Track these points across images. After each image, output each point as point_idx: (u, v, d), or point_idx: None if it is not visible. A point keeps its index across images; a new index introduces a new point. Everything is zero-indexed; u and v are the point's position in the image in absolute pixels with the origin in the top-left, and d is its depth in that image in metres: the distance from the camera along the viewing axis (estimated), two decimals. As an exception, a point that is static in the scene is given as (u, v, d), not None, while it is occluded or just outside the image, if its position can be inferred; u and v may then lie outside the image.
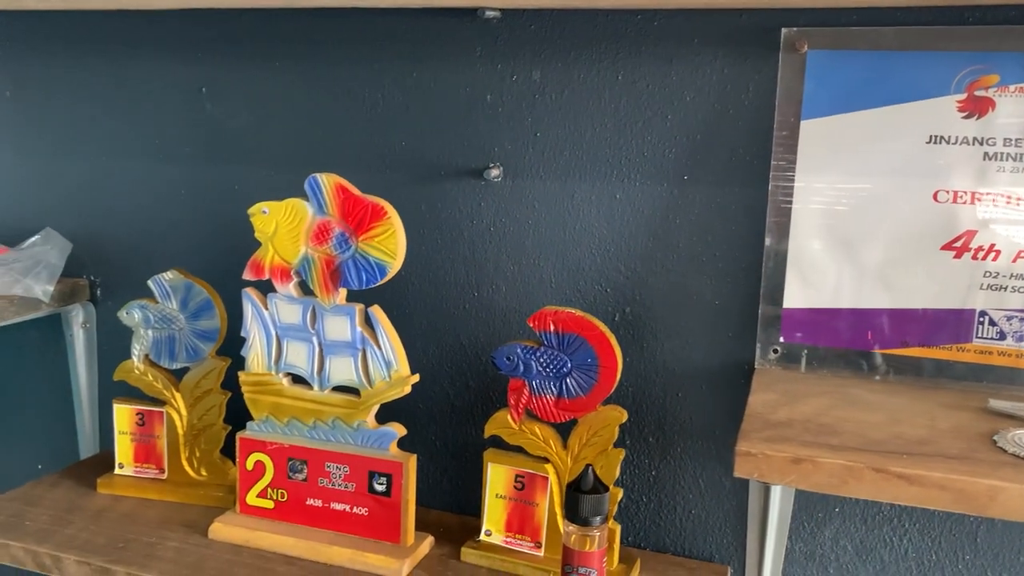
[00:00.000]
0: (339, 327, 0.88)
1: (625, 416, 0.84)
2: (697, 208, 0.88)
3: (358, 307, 0.88)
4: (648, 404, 0.93)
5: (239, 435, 0.94)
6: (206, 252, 1.09)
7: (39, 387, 1.23)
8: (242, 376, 0.93)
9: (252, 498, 0.94)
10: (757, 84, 0.84)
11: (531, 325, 0.85)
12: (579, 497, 0.75)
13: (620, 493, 0.85)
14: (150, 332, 1.01)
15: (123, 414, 1.03)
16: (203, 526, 0.94)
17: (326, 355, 0.89)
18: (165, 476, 1.03)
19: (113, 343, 1.17)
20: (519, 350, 0.86)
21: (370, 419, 0.89)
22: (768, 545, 0.89)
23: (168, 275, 0.99)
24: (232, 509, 0.96)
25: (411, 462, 0.88)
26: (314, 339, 0.90)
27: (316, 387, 0.91)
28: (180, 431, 1.02)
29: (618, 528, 0.86)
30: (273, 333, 0.91)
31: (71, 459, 1.18)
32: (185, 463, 1.02)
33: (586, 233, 0.92)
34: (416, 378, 0.88)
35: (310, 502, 0.92)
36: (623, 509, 0.96)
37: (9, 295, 1.01)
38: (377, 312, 0.87)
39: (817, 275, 0.84)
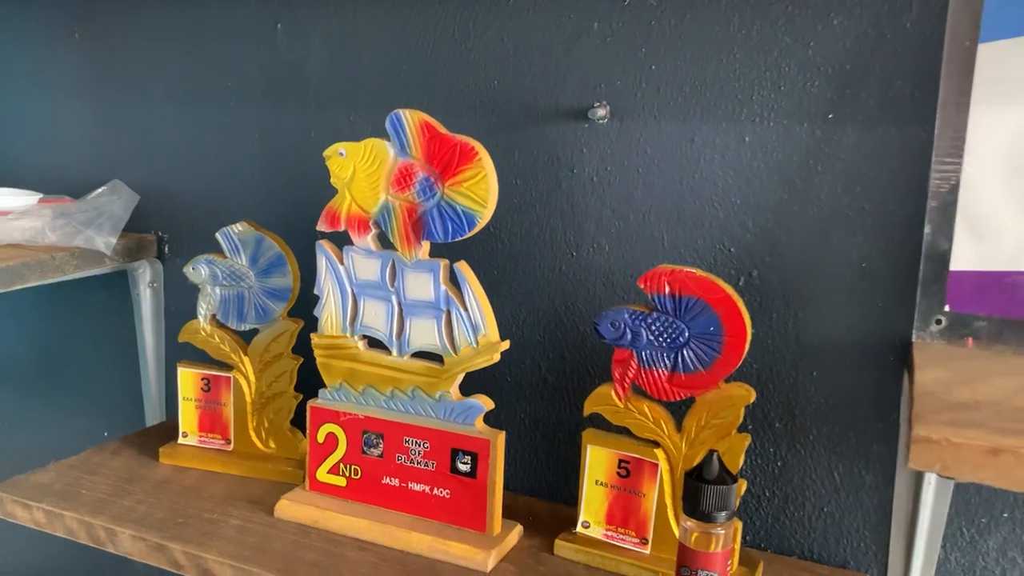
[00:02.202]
0: (421, 285, 0.78)
1: (753, 396, 0.71)
2: (844, 152, 0.74)
3: (443, 262, 0.77)
4: (776, 384, 0.80)
5: (310, 404, 0.85)
6: (280, 206, 1.01)
7: (106, 349, 1.16)
8: (314, 338, 0.84)
9: (323, 474, 0.85)
10: (922, 2, 0.70)
11: (642, 286, 0.73)
12: (702, 488, 0.63)
13: (744, 485, 0.73)
14: (217, 290, 0.93)
15: (188, 378, 0.95)
16: (269, 503, 0.85)
17: (406, 316, 0.79)
18: (231, 447, 0.94)
19: (181, 304, 1.10)
20: (627, 315, 0.74)
21: (454, 390, 0.78)
22: (916, 553, 0.76)
23: (238, 227, 0.91)
24: (301, 486, 0.87)
25: (499, 440, 0.77)
26: (393, 298, 0.79)
27: (395, 352, 0.80)
28: (248, 399, 0.93)
29: (739, 526, 0.73)
30: (349, 291, 0.81)
31: (137, 426, 1.12)
32: (253, 434, 0.94)
33: (707, 183, 0.80)
34: (506, 345, 0.77)
35: (386, 481, 0.82)
36: (742, 504, 0.83)
37: (70, 247, 0.94)
38: (464, 268, 0.76)
39: (994, 231, 0.69)
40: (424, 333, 0.79)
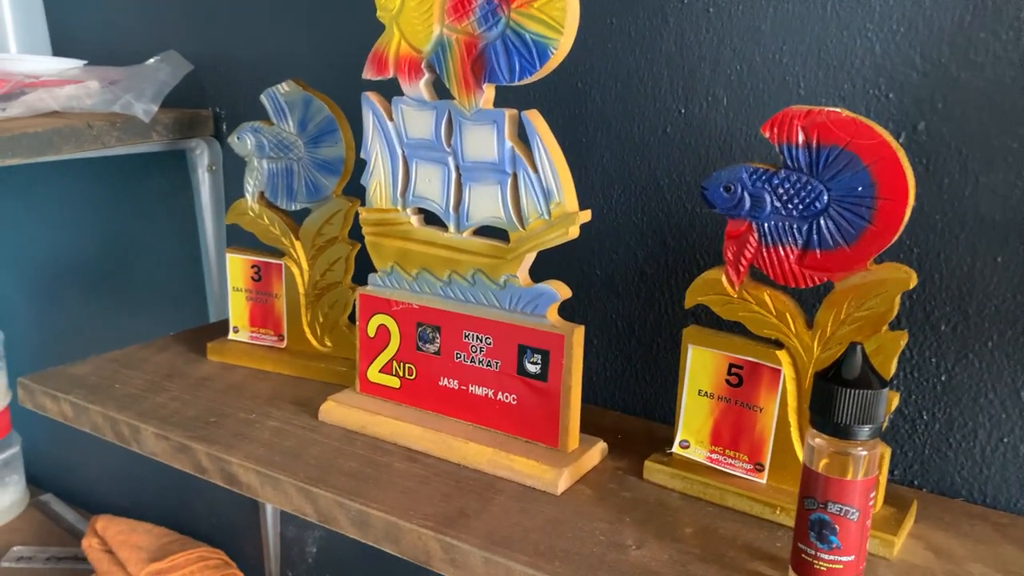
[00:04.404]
0: (482, 141, 0.62)
1: (914, 279, 0.53)
2: (1061, -55, 0.53)
3: (508, 112, 0.61)
4: (944, 273, 0.61)
5: (359, 291, 0.72)
6: (350, 75, 0.87)
7: (168, 241, 1.08)
8: (362, 212, 0.70)
9: (374, 374, 0.72)
10: None
11: (766, 135, 0.55)
12: (839, 392, 0.46)
13: (896, 399, 0.55)
14: (265, 163, 0.81)
15: (237, 266, 0.84)
16: (317, 405, 0.73)
17: (465, 183, 0.64)
18: (284, 344, 0.83)
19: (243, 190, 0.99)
20: (745, 175, 0.56)
21: (522, 274, 0.63)
22: None
23: (284, 87, 0.78)
24: (353, 387, 0.75)
25: (576, 335, 0.62)
26: (450, 160, 0.65)
27: (452, 227, 0.66)
28: (301, 289, 0.82)
29: (887, 452, 0.56)
30: (400, 153, 0.67)
31: (202, 322, 1.03)
32: (307, 329, 0.82)
33: (859, 5, 0.60)
34: (587, 215, 0.61)
35: (444, 383, 0.68)
36: (891, 429, 0.65)
37: (109, 114, 0.84)
38: (534, 118, 0.60)
39: None
40: (486, 203, 0.64)
